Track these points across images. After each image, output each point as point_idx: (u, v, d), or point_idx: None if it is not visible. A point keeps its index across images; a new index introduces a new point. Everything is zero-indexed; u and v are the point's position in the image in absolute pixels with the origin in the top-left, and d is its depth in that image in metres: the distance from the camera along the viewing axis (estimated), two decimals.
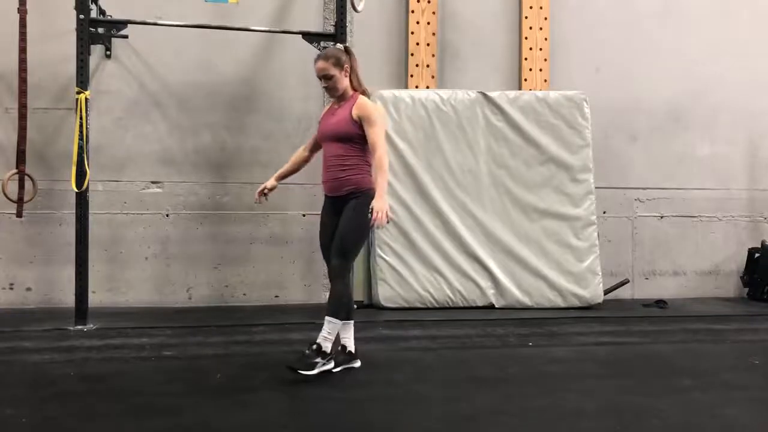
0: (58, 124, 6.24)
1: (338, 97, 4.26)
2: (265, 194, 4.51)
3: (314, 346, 4.01)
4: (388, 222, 3.97)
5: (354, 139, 4.13)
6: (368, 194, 4.08)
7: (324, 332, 4.04)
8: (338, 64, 4.15)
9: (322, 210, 4.35)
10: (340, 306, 4.07)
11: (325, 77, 4.16)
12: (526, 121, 6.54)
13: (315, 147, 4.55)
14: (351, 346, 4.28)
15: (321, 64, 4.16)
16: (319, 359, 3.98)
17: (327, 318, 4.05)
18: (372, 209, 3.93)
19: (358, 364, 4.29)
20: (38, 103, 6.15)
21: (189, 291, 6.45)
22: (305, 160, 4.59)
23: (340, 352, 4.25)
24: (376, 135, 4.07)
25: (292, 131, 6.66)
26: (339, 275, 4.09)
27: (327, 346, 4.03)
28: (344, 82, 4.19)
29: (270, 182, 4.52)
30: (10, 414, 3.34)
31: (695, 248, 7.41)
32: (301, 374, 3.90)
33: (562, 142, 6.56)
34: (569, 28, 7.17)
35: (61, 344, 4.81)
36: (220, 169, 6.54)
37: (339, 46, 4.40)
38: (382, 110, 4.34)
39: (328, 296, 4.16)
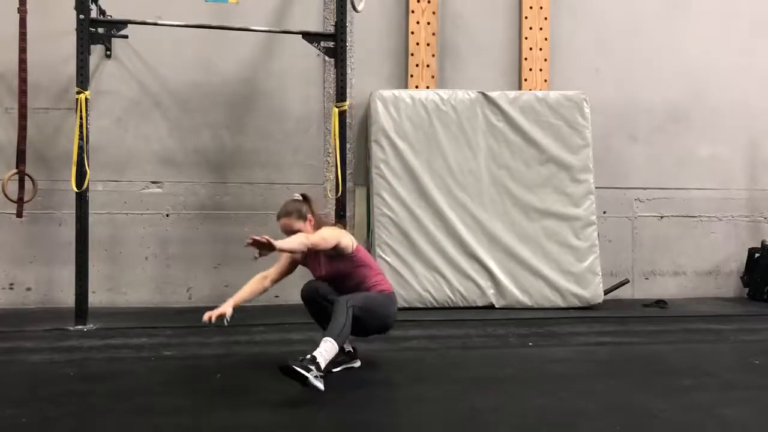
0: (58, 124, 6.25)
1: None
2: (221, 319, 4.04)
3: (309, 357, 3.74)
4: (256, 248, 3.78)
5: (348, 268, 4.11)
6: (387, 294, 4.15)
7: (321, 349, 3.77)
8: (301, 217, 4.12)
9: None
10: (342, 330, 3.85)
11: (290, 233, 4.10)
12: (526, 121, 6.53)
13: (282, 274, 4.36)
14: (349, 346, 4.28)
15: (284, 221, 4.14)
16: (314, 368, 3.68)
17: (326, 337, 3.81)
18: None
19: (358, 363, 4.29)
20: (38, 103, 6.16)
21: (189, 291, 6.46)
22: (264, 290, 4.34)
23: (339, 353, 4.23)
24: (314, 235, 3.99)
25: (292, 131, 6.66)
26: (345, 305, 3.90)
27: (322, 362, 3.71)
28: (310, 233, 4.09)
29: (228, 309, 4.04)
30: (10, 414, 3.34)
31: (695, 248, 7.41)
32: (294, 371, 3.60)
33: (562, 142, 6.56)
34: (569, 28, 7.17)
35: (61, 344, 4.80)
36: (220, 169, 6.54)
37: (296, 196, 4.29)
38: (337, 232, 4.14)
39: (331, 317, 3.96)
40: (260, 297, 6.44)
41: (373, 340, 5.00)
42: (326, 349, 3.75)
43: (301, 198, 4.25)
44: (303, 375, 3.57)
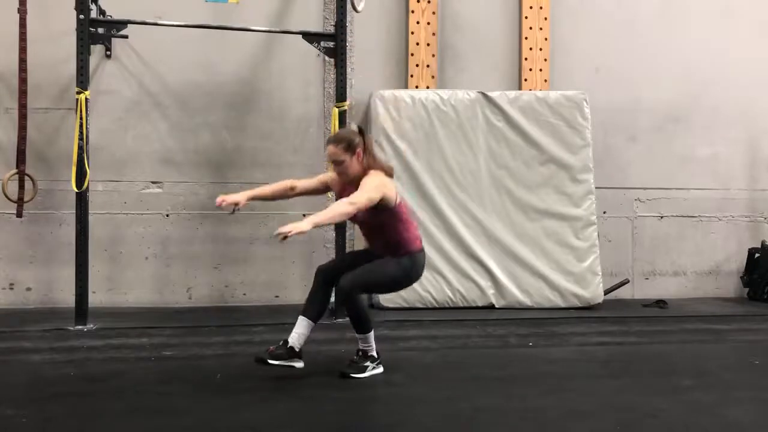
0: (58, 124, 6.24)
1: (350, 180, 4.05)
2: (235, 210, 4.11)
3: (360, 353, 4.11)
4: (284, 238, 3.59)
5: (385, 219, 4.00)
6: (411, 255, 4.06)
7: (362, 346, 4.11)
8: (350, 148, 3.95)
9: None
10: (362, 322, 4.04)
11: (335, 162, 4.00)
12: (526, 121, 6.53)
13: (309, 191, 4.29)
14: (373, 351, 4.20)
15: (332, 149, 3.98)
16: (368, 363, 4.08)
17: (359, 336, 4.09)
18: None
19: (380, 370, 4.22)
20: (38, 103, 6.15)
21: (189, 291, 6.45)
22: (285, 197, 4.28)
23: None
24: (360, 193, 3.86)
25: (292, 131, 6.66)
26: (348, 296, 3.96)
27: (372, 351, 4.11)
28: (355, 168, 3.99)
29: (242, 198, 4.05)
30: (10, 414, 3.33)
31: (695, 248, 7.41)
32: (354, 377, 4.00)
33: (562, 142, 6.56)
34: (569, 28, 7.17)
35: (61, 344, 4.80)
36: (220, 169, 6.53)
37: (353, 126, 4.16)
38: (383, 182, 3.98)
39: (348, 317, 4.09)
40: (260, 296, 6.49)
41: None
42: (367, 344, 4.10)
43: (357, 129, 4.11)
44: (364, 377, 4.00)
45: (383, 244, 4.10)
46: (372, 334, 4.10)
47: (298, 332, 4.04)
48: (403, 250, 4.07)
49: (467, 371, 4.28)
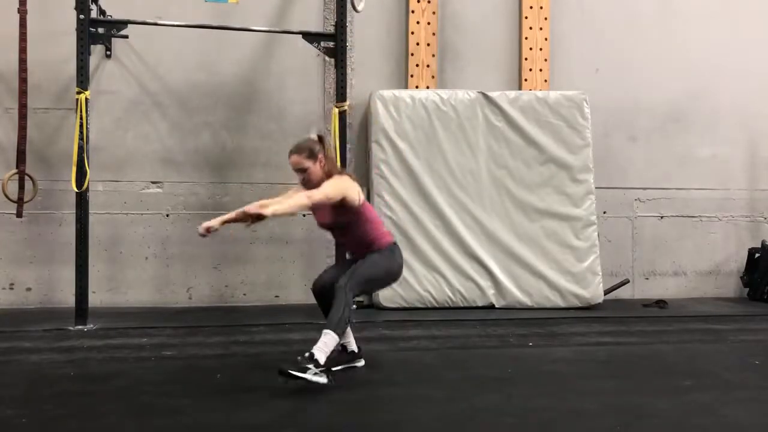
0: (58, 124, 6.25)
1: (314, 187, 4.08)
2: (209, 232, 4.24)
3: (307, 355, 3.78)
4: (253, 221, 3.94)
5: (352, 220, 4.12)
6: (389, 248, 4.20)
7: (320, 343, 3.82)
8: (311, 155, 4.09)
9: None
10: (340, 319, 3.86)
11: (299, 170, 4.13)
12: (526, 121, 6.53)
13: None
14: (353, 346, 4.27)
15: (294, 158, 4.13)
16: (311, 366, 3.71)
17: (324, 330, 3.85)
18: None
19: (361, 363, 4.27)
20: (38, 103, 6.16)
21: (189, 291, 6.46)
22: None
23: (343, 352, 4.23)
24: (318, 190, 3.97)
25: (292, 131, 6.65)
26: (344, 290, 3.93)
27: (321, 358, 3.75)
28: (318, 174, 4.09)
29: (216, 223, 4.24)
30: (10, 414, 3.33)
31: (695, 248, 7.41)
32: (291, 374, 3.64)
33: (562, 142, 6.56)
34: (569, 28, 7.17)
35: (61, 344, 4.80)
36: (220, 169, 6.54)
37: (312, 135, 4.28)
38: (345, 184, 4.06)
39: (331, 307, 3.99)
40: (260, 296, 6.49)
41: (373, 339, 5.02)
42: (325, 343, 3.82)
43: (316, 138, 4.22)
44: (301, 377, 3.65)
45: (357, 244, 4.20)
46: (336, 341, 3.85)
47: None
48: (377, 244, 4.17)
49: (467, 371, 4.28)
